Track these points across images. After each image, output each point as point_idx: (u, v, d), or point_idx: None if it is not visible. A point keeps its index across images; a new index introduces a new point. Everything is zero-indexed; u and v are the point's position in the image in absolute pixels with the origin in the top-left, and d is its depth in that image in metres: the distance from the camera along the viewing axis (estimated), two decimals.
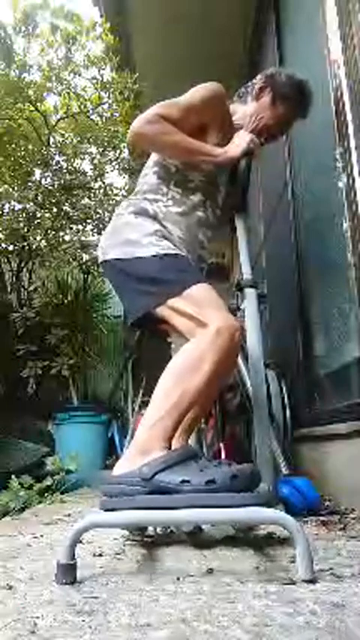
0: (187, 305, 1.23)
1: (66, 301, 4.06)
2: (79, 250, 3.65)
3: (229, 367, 1.31)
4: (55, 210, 3.78)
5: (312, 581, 0.85)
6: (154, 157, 1.55)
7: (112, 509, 0.99)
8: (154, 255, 1.31)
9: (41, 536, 1.43)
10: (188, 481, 0.98)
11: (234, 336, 1.19)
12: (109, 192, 4.05)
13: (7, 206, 3.79)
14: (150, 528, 1.36)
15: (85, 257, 3.79)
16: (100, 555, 1.15)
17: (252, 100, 1.60)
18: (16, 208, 3.77)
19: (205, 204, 1.50)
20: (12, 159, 3.72)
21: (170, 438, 1.13)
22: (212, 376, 1.16)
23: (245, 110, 1.59)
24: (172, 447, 1.12)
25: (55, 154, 3.85)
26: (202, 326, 1.20)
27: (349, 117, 1.70)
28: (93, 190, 3.95)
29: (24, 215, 3.68)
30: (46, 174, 3.70)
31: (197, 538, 1.29)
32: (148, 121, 1.40)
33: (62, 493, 2.34)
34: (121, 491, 1.04)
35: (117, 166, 4.11)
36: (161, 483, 1.01)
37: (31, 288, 3.88)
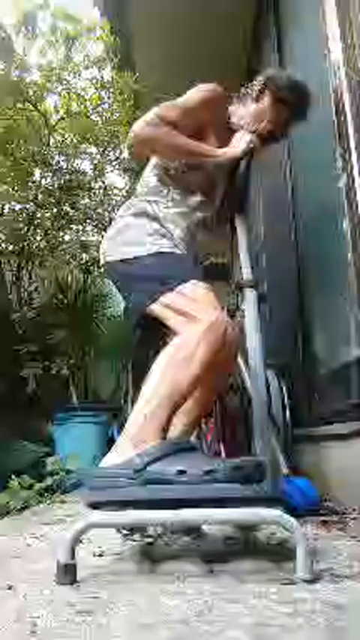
0: (181, 302, 1.23)
1: (66, 301, 4.06)
2: (79, 250, 3.65)
3: (224, 362, 1.26)
4: (55, 210, 3.78)
5: (312, 581, 0.85)
6: (153, 159, 1.55)
7: (96, 503, 0.93)
8: (151, 254, 1.32)
9: (41, 536, 1.43)
10: (185, 471, 0.92)
11: (226, 331, 1.17)
12: (109, 192, 4.06)
13: (7, 206, 3.79)
14: (150, 528, 1.36)
15: (85, 257, 3.79)
16: (100, 555, 1.15)
17: (251, 101, 1.59)
18: (16, 208, 3.77)
19: (205, 204, 1.50)
20: (12, 159, 3.72)
21: (164, 428, 1.08)
22: (205, 368, 1.13)
23: (245, 112, 1.59)
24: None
25: (55, 154, 3.85)
26: (194, 321, 1.18)
27: (349, 117, 1.70)
28: (93, 190, 3.95)
29: (24, 215, 3.68)
30: (46, 174, 3.70)
31: (197, 538, 1.29)
32: (147, 123, 1.41)
33: (62, 493, 2.34)
34: (106, 483, 0.96)
35: (117, 166, 4.11)
36: (155, 474, 0.94)
37: (31, 288, 3.88)
